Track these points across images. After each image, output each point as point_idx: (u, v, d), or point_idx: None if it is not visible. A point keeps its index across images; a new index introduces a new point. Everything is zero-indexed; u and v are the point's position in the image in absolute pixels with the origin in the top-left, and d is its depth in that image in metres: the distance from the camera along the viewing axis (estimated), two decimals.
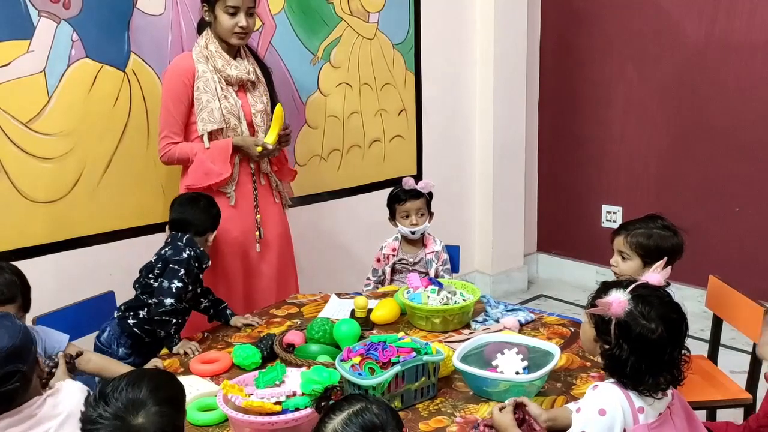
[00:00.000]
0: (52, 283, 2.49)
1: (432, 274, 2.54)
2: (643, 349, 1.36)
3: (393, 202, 2.61)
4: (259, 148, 2.36)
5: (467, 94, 3.78)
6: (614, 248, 2.12)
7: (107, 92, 2.57)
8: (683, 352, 1.42)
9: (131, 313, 2.10)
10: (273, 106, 2.51)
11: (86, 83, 2.52)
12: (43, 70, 2.42)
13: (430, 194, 2.63)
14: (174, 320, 2.02)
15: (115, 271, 2.58)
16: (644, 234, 2.06)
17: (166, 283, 2.02)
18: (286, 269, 2.61)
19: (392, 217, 2.62)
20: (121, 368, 1.80)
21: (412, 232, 2.56)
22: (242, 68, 2.40)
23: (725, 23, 3.38)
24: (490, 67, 3.71)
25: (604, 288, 1.46)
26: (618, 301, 1.38)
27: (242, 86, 2.44)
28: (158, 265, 2.08)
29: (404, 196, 2.58)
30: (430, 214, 2.61)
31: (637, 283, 1.43)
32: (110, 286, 2.36)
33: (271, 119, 2.46)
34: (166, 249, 2.10)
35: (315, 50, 3.13)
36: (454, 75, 3.71)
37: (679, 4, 3.52)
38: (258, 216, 2.47)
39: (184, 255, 2.05)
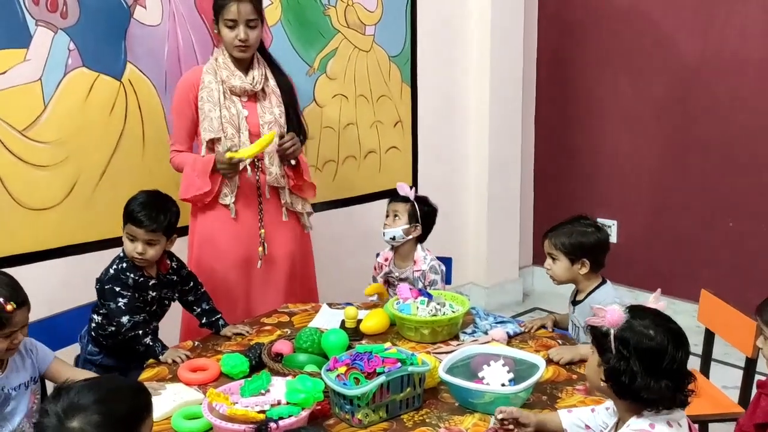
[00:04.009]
0: (45, 291, 2.48)
1: None
2: (646, 357, 1.34)
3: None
4: (229, 154, 2.28)
5: (463, 107, 3.80)
6: (545, 252, 2.19)
7: (103, 101, 2.59)
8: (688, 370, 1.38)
9: (93, 316, 2.14)
10: (296, 118, 2.47)
11: (82, 92, 2.54)
12: (40, 78, 2.44)
13: (424, 207, 2.58)
14: (141, 332, 2.02)
15: None
16: (566, 233, 2.14)
17: (113, 305, 2.04)
18: (297, 291, 2.54)
19: None
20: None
21: (384, 233, 2.55)
22: (247, 79, 2.38)
23: (718, 38, 3.40)
24: (486, 79, 3.73)
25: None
26: (613, 310, 1.37)
27: (252, 97, 2.41)
28: (97, 287, 2.10)
29: (393, 198, 2.61)
30: (413, 226, 2.54)
31: (628, 304, 1.43)
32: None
33: (284, 132, 2.42)
34: (102, 271, 2.11)
35: (311, 62, 3.16)
36: (450, 87, 3.73)
37: (673, 19, 3.54)
38: (262, 231, 2.44)
39: (111, 271, 2.08)
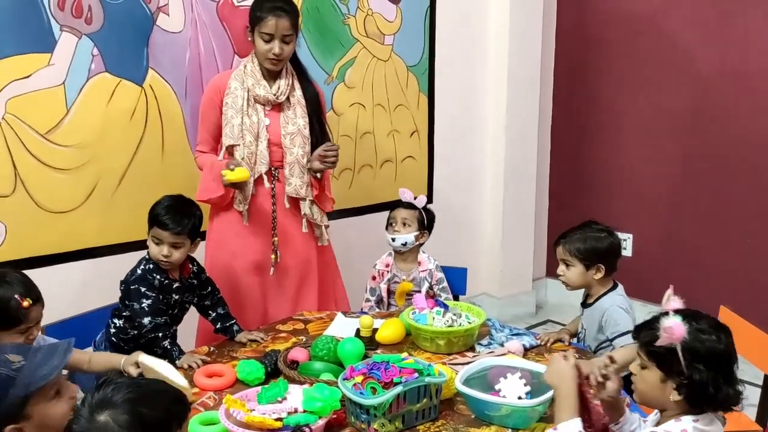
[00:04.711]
0: (63, 292, 2.51)
1: (423, 292, 2.52)
2: (718, 363, 1.35)
3: (390, 211, 2.66)
4: (227, 177, 2.23)
5: (480, 118, 3.80)
6: (558, 258, 2.20)
7: (124, 106, 2.62)
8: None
9: (113, 321, 2.15)
10: (320, 128, 2.47)
11: (104, 97, 2.57)
12: (63, 82, 2.47)
13: (429, 214, 2.63)
14: (161, 334, 2.03)
15: None
16: (580, 239, 2.16)
17: (136, 305, 2.05)
18: (311, 301, 2.54)
19: (387, 227, 2.65)
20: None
21: (393, 239, 2.56)
22: (272, 89, 2.39)
23: (737, 52, 3.39)
24: (503, 90, 3.74)
25: (642, 328, 1.44)
26: (677, 324, 1.35)
27: (277, 106, 2.42)
28: (122, 288, 2.12)
29: (396, 205, 2.63)
30: (422, 233, 2.60)
31: (670, 309, 1.40)
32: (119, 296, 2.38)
33: (308, 143, 2.41)
34: (128, 272, 2.13)
35: (330, 70, 3.17)
36: (467, 98, 3.74)
37: (691, 33, 3.53)
38: (275, 239, 2.45)
39: (138, 271, 2.09)
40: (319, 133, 2.47)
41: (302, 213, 2.48)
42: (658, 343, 1.37)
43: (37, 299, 1.75)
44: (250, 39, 2.39)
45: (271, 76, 2.41)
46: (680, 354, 1.35)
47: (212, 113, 2.41)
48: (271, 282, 2.48)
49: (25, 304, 1.69)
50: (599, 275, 2.14)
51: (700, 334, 1.35)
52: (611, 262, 2.16)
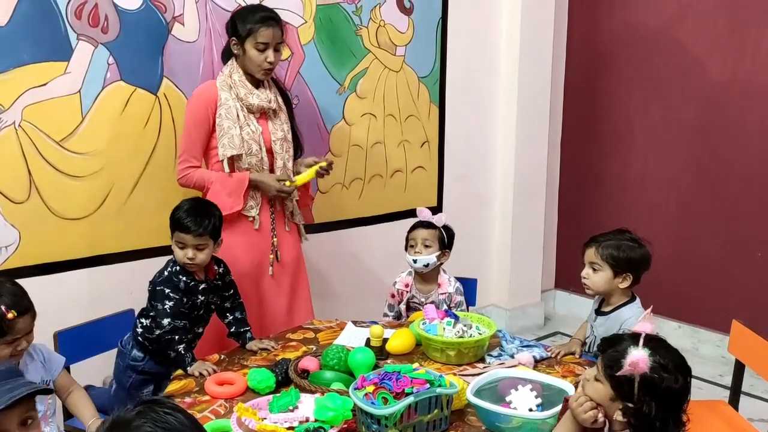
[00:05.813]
0: (76, 299, 2.54)
1: None
2: (669, 401, 1.36)
3: (408, 231, 2.62)
4: (289, 183, 2.44)
5: (490, 128, 3.81)
6: (585, 261, 2.19)
7: (139, 114, 2.64)
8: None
9: (140, 320, 2.18)
10: (294, 135, 2.58)
11: (119, 105, 2.59)
12: (79, 91, 2.50)
13: (449, 232, 2.59)
14: (177, 337, 2.05)
15: (136, 289, 2.62)
16: (614, 245, 2.15)
17: (159, 306, 2.08)
18: (298, 296, 2.62)
19: (406, 247, 2.63)
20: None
21: (414, 261, 2.52)
22: (264, 97, 2.46)
23: (750, 64, 3.39)
24: (514, 102, 3.75)
25: (609, 344, 1.44)
26: (643, 359, 1.35)
27: (263, 114, 2.50)
28: (149, 288, 2.14)
29: (415, 225, 2.59)
30: (444, 252, 2.56)
31: (642, 335, 1.40)
32: (131, 303, 2.40)
33: (291, 147, 2.56)
34: (156, 273, 2.16)
35: (342, 80, 3.19)
36: (478, 109, 3.75)
37: (704, 44, 3.53)
38: (274, 239, 2.52)
39: (165, 273, 2.12)
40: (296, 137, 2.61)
41: (286, 213, 2.58)
42: (620, 372, 1.38)
43: (26, 311, 1.74)
44: (237, 51, 2.43)
45: (255, 85, 2.47)
46: (636, 386, 1.36)
47: (207, 125, 2.43)
48: (269, 282, 2.53)
49: (10, 315, 1.68)
50: (625, 284, 2.14)
51: (661, 371, 1.35)
52: (639, 274, 2.15)
